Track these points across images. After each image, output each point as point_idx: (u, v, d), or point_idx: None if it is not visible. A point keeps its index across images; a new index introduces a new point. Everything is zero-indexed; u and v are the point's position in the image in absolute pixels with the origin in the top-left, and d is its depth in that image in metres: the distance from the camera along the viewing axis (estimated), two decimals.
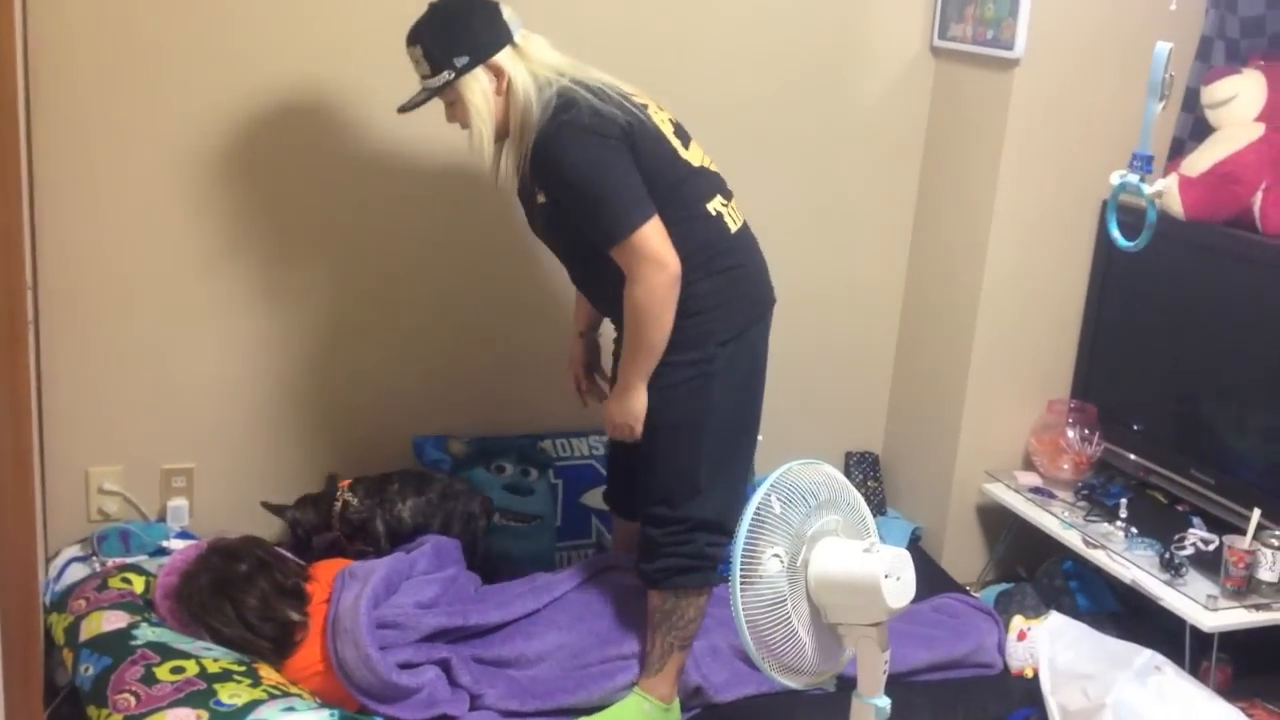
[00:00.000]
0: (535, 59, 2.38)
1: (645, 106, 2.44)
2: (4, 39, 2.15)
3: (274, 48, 2.79)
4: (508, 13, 2.39)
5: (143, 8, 2.68)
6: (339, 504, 2.80)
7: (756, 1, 3.13)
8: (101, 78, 2.69)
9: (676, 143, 2.46)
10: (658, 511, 2.48)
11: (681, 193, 2.43)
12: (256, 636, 2.44)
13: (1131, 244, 2.19)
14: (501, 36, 2.37)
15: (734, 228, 2.50)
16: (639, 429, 2.46)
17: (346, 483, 2.85)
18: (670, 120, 2.50)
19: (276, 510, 2.82)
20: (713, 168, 2.54)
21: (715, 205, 2.48)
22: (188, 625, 2.47)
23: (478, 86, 2.35)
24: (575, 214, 2.38)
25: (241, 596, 2.45)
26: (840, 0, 3.19)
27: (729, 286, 2.47)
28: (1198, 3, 3.08)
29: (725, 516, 2.44)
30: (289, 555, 2.61)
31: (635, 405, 2.44)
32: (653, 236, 2.32)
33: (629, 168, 2.35)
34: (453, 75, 2.34)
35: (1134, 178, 2.16)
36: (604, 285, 2.44)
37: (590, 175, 2.32)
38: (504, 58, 2.36)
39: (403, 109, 2.42)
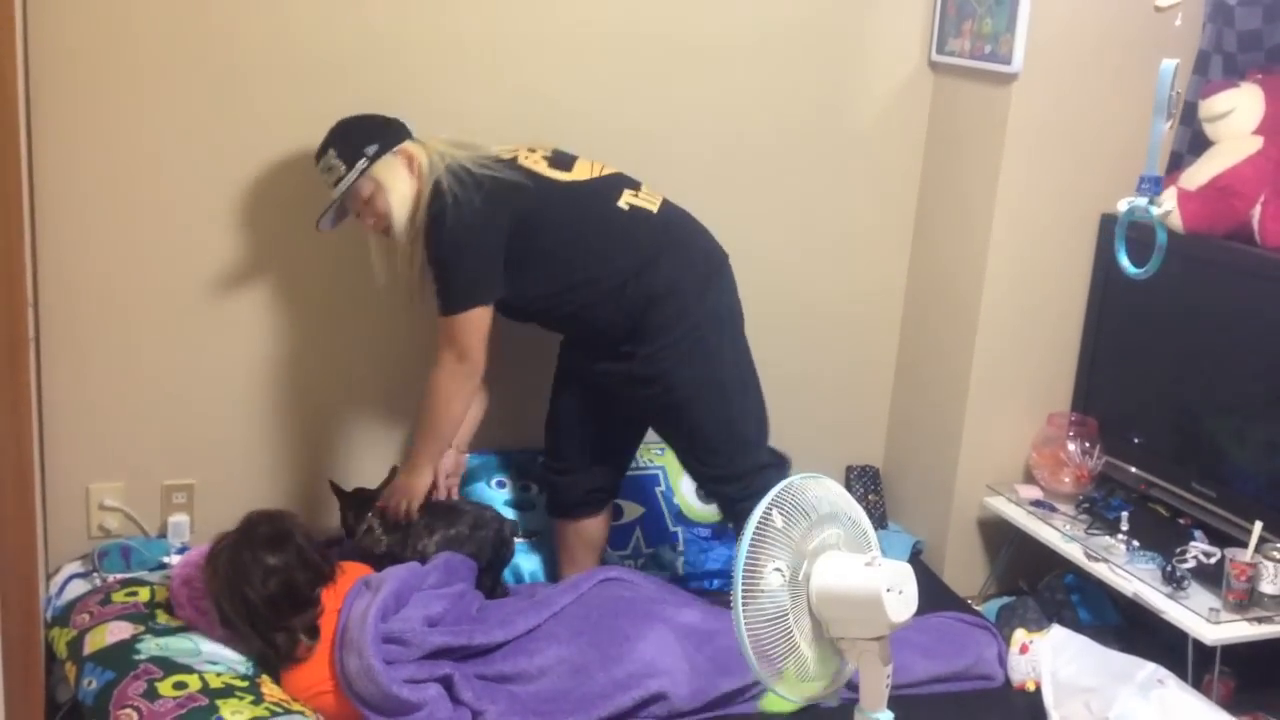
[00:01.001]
0: (432, 149, 2.60)
1: (515, 158, 2.67)
2: (5, 56, 2.16)
3: (275, 63, 2.80)
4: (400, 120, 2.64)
5: (144, 25, 2.69)
6: (364, 527, 2.80)
7: (754, 17, 3.14)
8: (103, 96, 2.70)
9: (555, 173, 2.68)
10: (722, 473, 2.75)
11: (590, 207, 2.67)
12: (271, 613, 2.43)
13: (1141, 271, 2.15)
14: (402, 131, 2.62)
15: (655, 209, 2.72)
16: (415, 508, 2.73)
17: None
18: (544, 157, 2.71)
19: (339, 494, 2.84)
20: (607, 171, 2.75)
21: (625, 200, 2.70)
22: (205, 598, 2.46)
23: (395, 172, 2.57)
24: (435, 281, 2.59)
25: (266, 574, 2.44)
26: (838, 15, 3.20)
27: (678, 260, 2.70)
28: (1195, 17, 3.09)
29: (768, 447, 2.82)
30: (318, 556, 2.58)
31: (420, 483, 2.73)
32: (472, 326, 2.58)
33: (487, 247, 2.58)
34: (367, 164, 2.55)
35: (1142, 201, 2.13)
36: (545, 325, 2.76)
37: (447, 255, 2.56)
38: (410, 145, 2.60)
39: (320, 224, 2.63)
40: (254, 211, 2.87)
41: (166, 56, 2.72)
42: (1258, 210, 2.83)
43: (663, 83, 3.10)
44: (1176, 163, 3.13)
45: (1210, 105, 2.96)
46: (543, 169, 2.66)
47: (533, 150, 2.71)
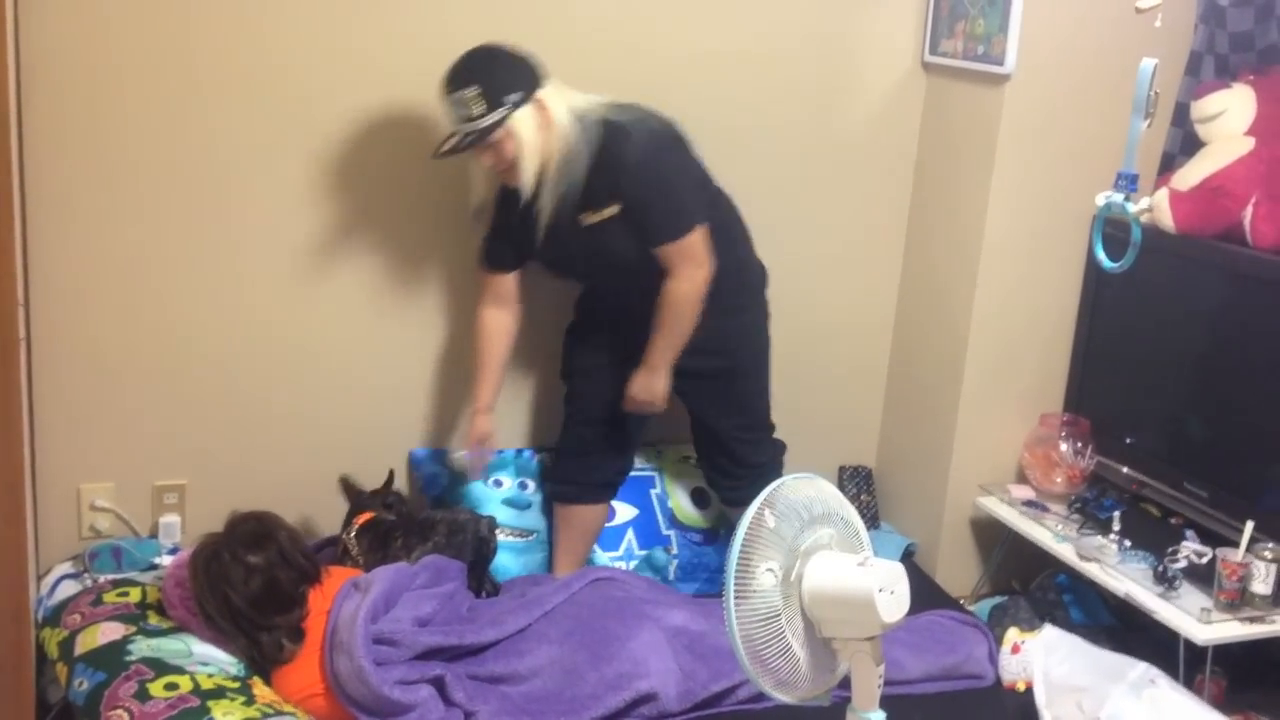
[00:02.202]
0: (568, 95, 2.60)
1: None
2: None
3: (269, 60, 2.80)
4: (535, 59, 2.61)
5: (135, 24, 2.68)
6: (339, 549, 2.79)
7: (747, 18, 3.14)
8: (95, 93, 2.69)
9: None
10: (756, 436, 3.00)
11: (712, 184, 2.81)
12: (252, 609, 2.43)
13: (1116, 265, 2.19)
14: (540, 76, 2.58)
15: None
16: (660, 406, 2.78)
17: (364, 518, 2.82)
18: None
19: (347, 489, 2.90)
20: None
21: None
22: (193, 600, 2.46)
23: (528, 121, 2.54)
24: (638, 214, 2.61)
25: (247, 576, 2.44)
26: (831, 16, 3.20)
27: (747, 241, 2.95)
28: (1187, 18, 3.09)
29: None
30: (302, 557, 2.57)
31: (661, 386, 2.76)
32: (702, 240, 2.66)
33: (692, 173, 2.71)
34: (505, 112, 2.51)
35: (1119, 197, 2.16)
36: (649, 284, 2.69)
37: (668, 174, 2.63)
38: (546, 94, 2.57)
39: (443, 154, 2.57)
40: (245, 212, 2.86)
41: (158, 55, 2.71)
42: (1249, 211, 2.83)
43: (656, 86, 3.07)
44: (1168, 163, 3.14)
45: (1202, 106, 2.97)
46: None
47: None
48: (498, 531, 2.98)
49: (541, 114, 2.56)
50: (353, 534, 2.79)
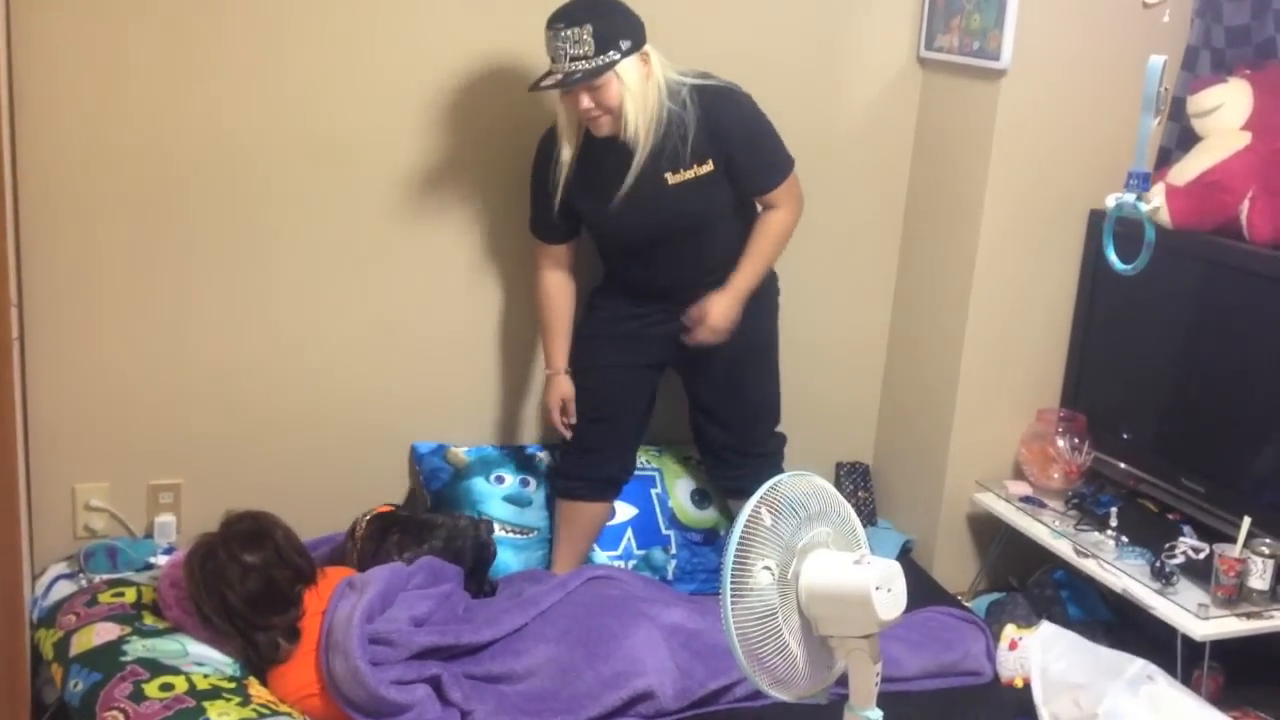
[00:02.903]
0: (663, 60, 2.66)
1: None
2: None
3: (264, 62, 2.79)
4: None
5: (129, 25, 2.67)
6: (353, 526, 2.81)
7: (743, 14, 3.13)
8: (88, 93, 2.68)
9: None
10: (764, 424, 3.03)
11: None
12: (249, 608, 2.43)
13: (1129, 267, 2.16)
14: (644, 31, 2.61)
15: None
16: (724, 336, 2.81)
17: (383, 509, 2.83)
18: None
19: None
20: None
21: None
22: (188, 600, 2.45)
23: (635, 70, 2.57)
24: (747, 164, 2.74)
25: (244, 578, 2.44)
26: (827, 12, 3.20)
27: None
28: (1183, 13, 3.09)
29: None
30: (298, 556, 2.57)
31: (737, 313, 2.81)
32: (797, 181, 2.83)
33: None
34: (618, 56, 2.53)
35: (1130, 197, 2.13)
36: (709, 248, 2.80)
37: (767, 126, 2.76)
38: (651, 50, 2.62)
39: (549, 86, 2.57)
40: (241, 211, 2.85)
41: (155, 54, 2.71)
42: (1246, 205, 2.83)
43: None
44: (1165, 158, 3.13)
45: (1198, 101, 2.96)
46: None
47: None
48: (499, 528, 2.98)
49: (645, 67, 2.59)
50: (366, 518, 2.79)
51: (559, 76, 2.55)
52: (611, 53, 2.52)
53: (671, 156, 2.67)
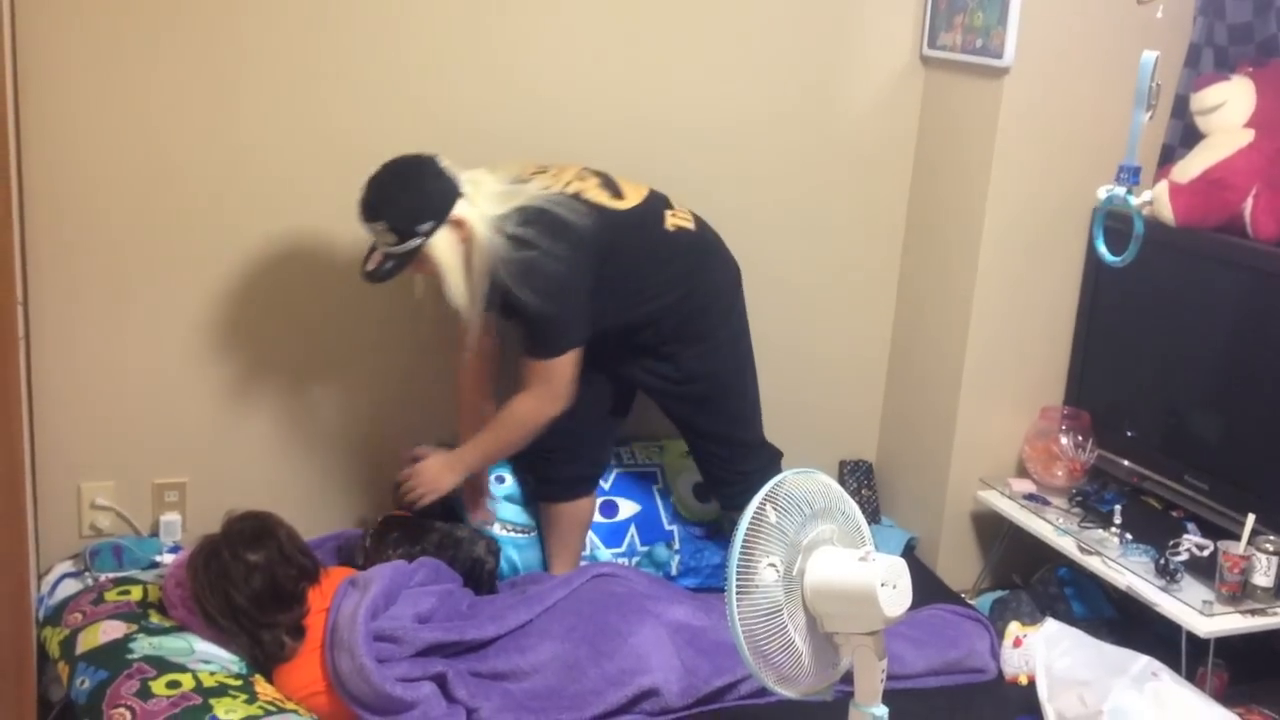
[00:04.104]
0: (484, 198, 2.55)
1: (577, 193, 2.64)
2: None
3: (280, 59, 2.79)
4: (446, 163, 2.55)
5: (134, 21, 2.67)
6: (368, 526, 2.84)
7: (745, 12, 3.13)
8: (93, 91, 2.68)
9: (615, 203, 2.70)
10: (738, 450, 2.94)
11: (647, 233, 2.72)
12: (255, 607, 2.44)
13: (1118, 259, 2.18)
14: (453, 190, 2.53)
15: (692, 226, 2.82)
16: (432, 499, 2.76)
17: (397, 513, 2.84)
18: (599, 184, 2.71)
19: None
20: (643, 189, 2.78)
21: (670, 222, 2.78)
22: (192, 600, 2.46)
23: (446, 245, 2.52)
24: (520, 327, 2.63)
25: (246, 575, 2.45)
26: (829, 10, 3.20)
27: (722, 269, 2.87)
28: (1186, 10, 3.09)
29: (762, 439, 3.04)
30: (301, 555, 2.57)
31: (448, 484, 2.76)
32: (566, 367, 2.63)
33: (580, 292, 2.60)
34: (421, 241, 2.50)
35: (1120, 190, 2.16)
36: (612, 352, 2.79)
37: (557, 305, 2.57)
38: (460, 209, 2.52)
39: (372, 278, 2.56)
40: (250, 210, 2.86)
41: (162, 49, 2.71)
42: (1249, 203, 2.83)
43: (653, 82, 3.09)
44: (1168, 156, 3.13)
45: (1201, 98, 2.96)
46: (605, 200, 2.68)
47: (583, 179, 2.71)
48: (500, 528, 2.98)
49: (460, 230, 2.53)
50: (380, 519, 2.81)
51: (372, 267, 2.57)
52: (412, 240, 2.50)
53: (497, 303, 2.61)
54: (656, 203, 2.80)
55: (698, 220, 2.86)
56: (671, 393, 2.89)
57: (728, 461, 2.97)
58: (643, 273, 2.74)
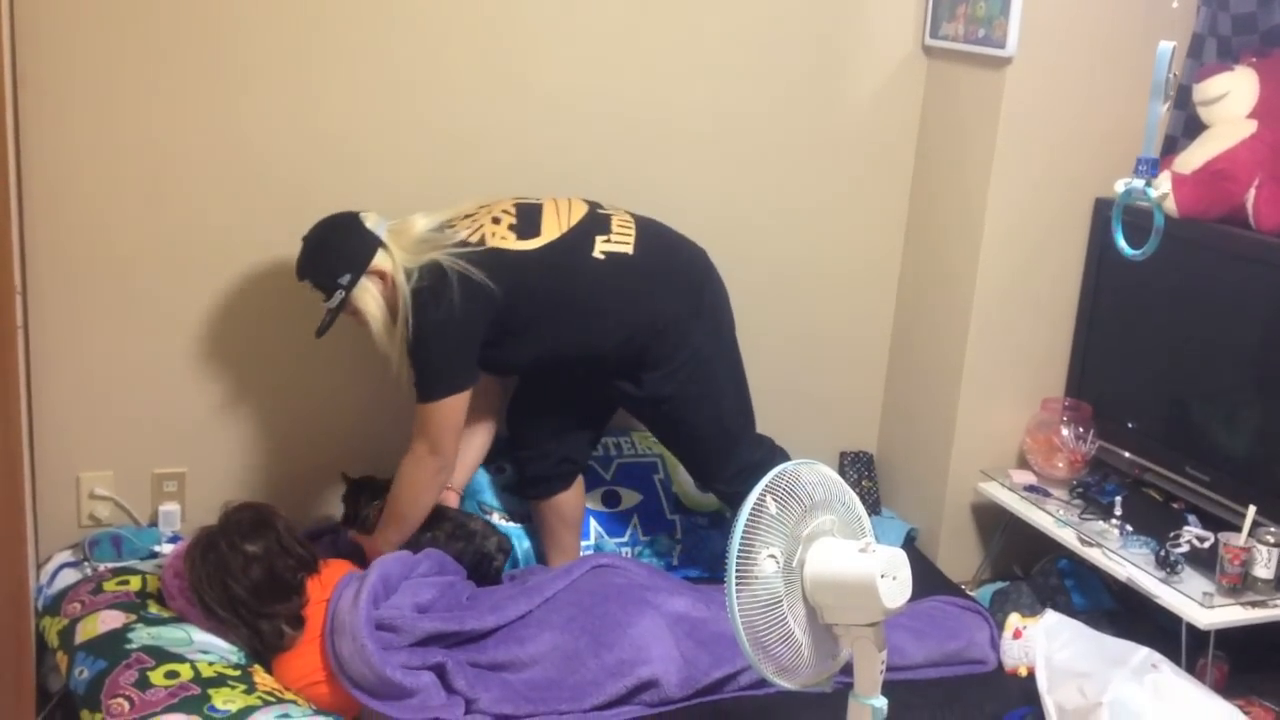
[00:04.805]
0: (401, 249, 2.61)
1: (483, 238, 2.63)
2: None
3: (273, 59, 2.78)
4: (371, 219, 2.63)
5: (136, 13, 2.66)
6: (365, 513, 2.84)
7: (746, 2, 3.12)
8: (92, 78, 2.67)
9: (526, 244, 2.64)
10: (715, 470, 2.87)
11: (570, 268, 2.65)
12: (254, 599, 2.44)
13: (1138, 253, 2.15)
14: (370, 244, 2.60)
15: (630, 249, 2.70)
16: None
17: None
18: (511, 226, 2.67)
19: (348, 481, 2.90)
20: (575, 215, 2.71)
21: (600, 250, 2.68)
22: (191, 591, 2.46)
23: (368, 295, 2.61)
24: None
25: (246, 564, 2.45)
26: (831, 0, 3.18)
27: (668, 292, 2.74)
28: (1190, 0, 3.08)
29: (757, 436, 2.93)
30: (299, 546, 2.57)
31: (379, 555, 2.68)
32: (443, 416, 2.61)
33: (461, 340, 2.61)
34: (344, 294, 2.59)
35: (1139, 183, 2.13)
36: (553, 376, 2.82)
37: (431, 348, 2.59)
38: (380, 260, 2.60)
39: (319, 333, 2.64)
40: (247, 200, 2.85)
41: (162, 40, 2.70)
42: (1252, 194, 2.82)
43: (654, 72, 3.08)
44: (1171, 146, 3.12)
45: (1205, 89, 2.95)
46: (511, 244, 2.64)
47: (497, 220, 2.67)
48: (499, 517, 2.98)
49: (381, 280, 2.60)
50: (378, 504, 2.79)
51: (323, 317, 2.64)
52: (338, 294, 2.59)
53: None
54: (585, 229, 2.70)
55: (642, 236, 2.73)
56: (641, 412, 2.88)
57: (715, 471, 2.89)
58: (568, 309, 2.68)
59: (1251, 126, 2.87)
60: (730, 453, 2.85)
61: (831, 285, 3.40)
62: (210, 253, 2.86)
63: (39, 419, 2.77)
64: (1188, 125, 3.10)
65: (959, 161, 3.22)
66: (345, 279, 2.59)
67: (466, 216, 2.70)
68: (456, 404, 2.63)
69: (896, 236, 3.44)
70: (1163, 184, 2.14)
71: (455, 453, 2.70)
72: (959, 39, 3.15)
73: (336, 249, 2.62)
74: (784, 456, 2.91)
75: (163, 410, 2.90)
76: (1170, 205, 2.86)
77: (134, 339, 2.84)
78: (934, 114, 3.31)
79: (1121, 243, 2.21)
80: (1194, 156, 2.92)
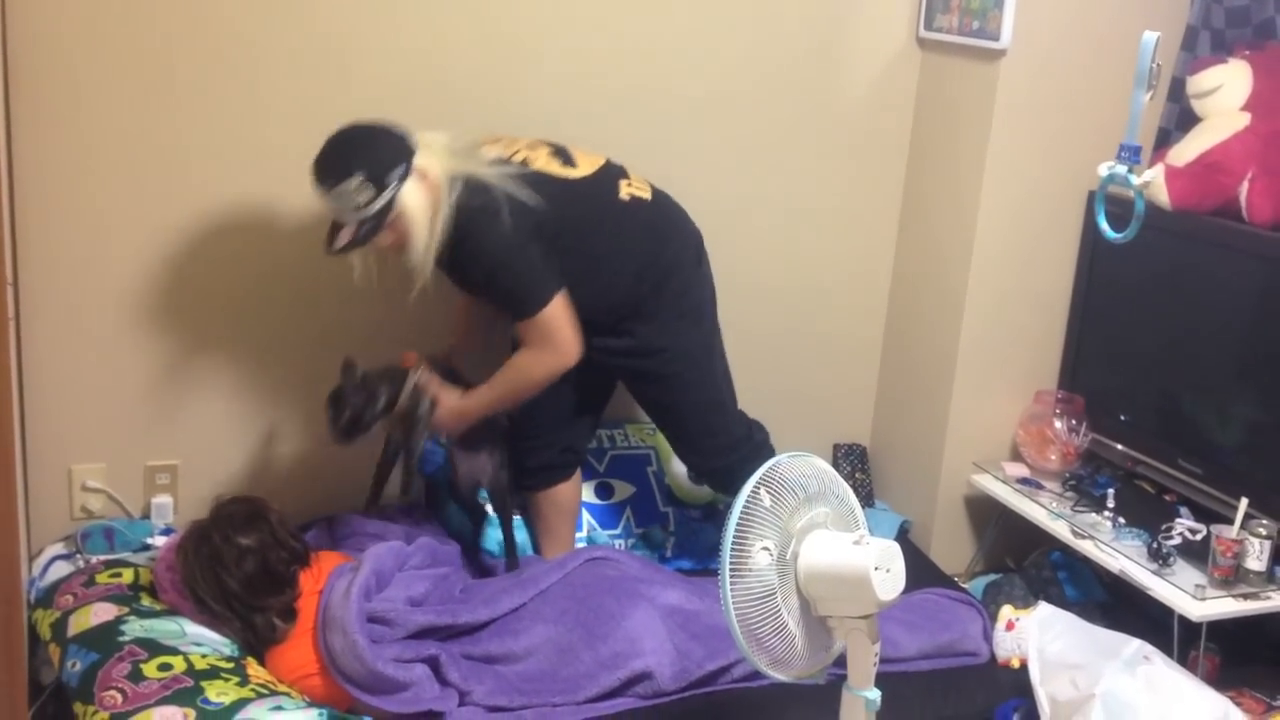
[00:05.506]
0: (437, 154, 2.49)
1: (525, 161, 2.59)
2: None
3: (260, 40, 2.77)
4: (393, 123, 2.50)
5: (126, 2, 2.65)
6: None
7: None
8: (84, 70, 2.66)
9: (566, 171, 2.64)
10: (718, 444, 2.86)
11: (600, 202, 2.66)
12: (245, 591, 2.43)
13: (1120, 236, 2.19)
14: (411, 144, 2.47)
15: (648, 196, 2.75)
16: (447, 434, 2.76)
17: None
18: (550, 152, 2.65)
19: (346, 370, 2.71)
20: (599, 160, 2.72)
21: (625, 191, 2.71)
22: (183, 584, 2.45)
23: (416, 195, 2.46)
24: (490, 298, 2.61)
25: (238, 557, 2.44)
26: None
27: (680, 236, 2.79)
28: None
29: (741, 418, 2.94)
30: (291, 538, 2.57)
31: (458, 427, 2.72)
32: (556, 317, 2.56)
33: (529, 249, 2.53)
34: (396, 189, 2.43)
35: (1122, 169, 2.16)
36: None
37: (512, 264, 2.51)
38: (422, 159, 2.47)
39: (341, 250, 2.47)
40: (238, 191, 2.84)
41: (150, 31, 2.69)
42: (1245, 186, 2.82)
43: (645, 62, 3.07)
44: (1164, 139, 3.13)
45: (1198, 81, 2.95)
46: (557, 170, 2.62)
47: (533, 148, 2.65)
48: (489, 508, 2.97)
49: (424, 181, 2.47)
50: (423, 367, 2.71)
51: (349, 232, 2.46)
52: (388, 191, 2.42)
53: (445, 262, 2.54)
54: (611, 172, 2.72)
55: (655, 191, 2.78)
56: (634, 370, 2.81)
57: (705, 441, 2.88)
58: (595, 243, 2.66)
59: (1245, 119, 2.87)
60: (719, 424, 2.86)
61: (825, 278, 3.40)
62: (201, 244, 2.85)
63: (30, 411, 2.77)
64: (1181, 118, 3.10)
65: (953, 154, 3.22)
66: (400, 170, 2.42)
67: (490, 143, 2.63)
68: (559, 305, 2.56)
69: (890, 229, 3.44)
70: (1146, 172, 2.17)
71: (577, 344, 2.60)
72: (953, 31, 3.15)
73: (381, 141, 2.45)
74: (764, 433, 3.00)
75: (155, 403, 2.89)
76: (1163, 198, 2.86)
77: (126, 331, 2.83)
78: (928, 106, 3.31)
79: (1104, 225, 2.23)
80: (1187, 149, 2.92)
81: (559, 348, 2.58)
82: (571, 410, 2.90)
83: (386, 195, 2.42)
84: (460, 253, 2.51)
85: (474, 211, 2.48)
